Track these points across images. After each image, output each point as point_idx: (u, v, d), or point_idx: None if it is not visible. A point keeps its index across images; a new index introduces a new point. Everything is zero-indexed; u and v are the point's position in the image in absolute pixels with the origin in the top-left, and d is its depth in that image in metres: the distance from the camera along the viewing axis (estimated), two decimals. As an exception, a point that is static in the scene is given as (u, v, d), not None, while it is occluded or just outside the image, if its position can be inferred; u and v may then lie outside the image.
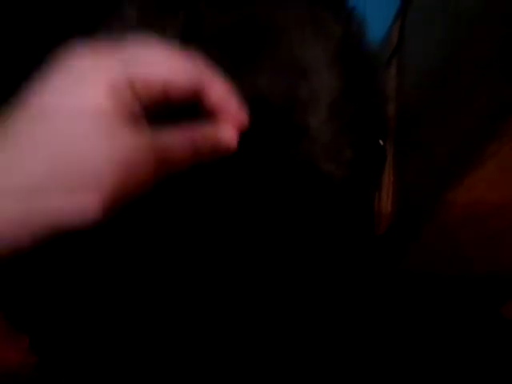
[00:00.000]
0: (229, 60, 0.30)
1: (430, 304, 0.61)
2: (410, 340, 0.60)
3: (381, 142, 0.50)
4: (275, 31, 0.34)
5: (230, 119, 0.26)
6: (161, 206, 0.32)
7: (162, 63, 0.24)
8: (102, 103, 0.22)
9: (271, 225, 0.35)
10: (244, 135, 0.26)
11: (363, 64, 0.43)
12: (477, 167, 0.47)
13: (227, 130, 0.26)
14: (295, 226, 0.37)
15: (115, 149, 0.22)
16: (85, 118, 0.21)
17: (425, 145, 0.63)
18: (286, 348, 0.40)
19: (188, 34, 0.33)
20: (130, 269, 0.34)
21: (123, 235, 0.32)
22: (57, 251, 0.32)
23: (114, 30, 0.35)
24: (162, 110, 0.25)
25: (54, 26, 0.40)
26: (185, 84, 0.24)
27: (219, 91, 0.26)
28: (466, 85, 0.54)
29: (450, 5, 0.63)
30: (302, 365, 0.41)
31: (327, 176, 0.37)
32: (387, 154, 0.59)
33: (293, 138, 0.34)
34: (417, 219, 0.57)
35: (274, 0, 0.38)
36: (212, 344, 0.36)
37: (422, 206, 0.57)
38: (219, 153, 0.26)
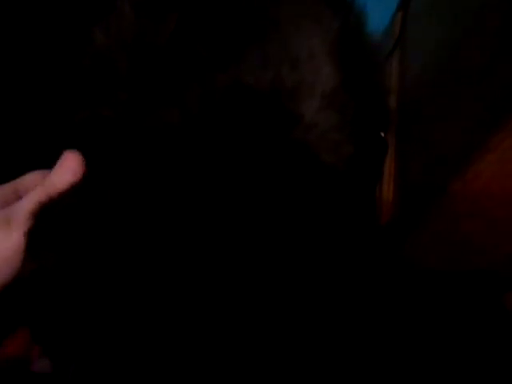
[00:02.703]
0: (216, 53, 0.34)
1: (431, 296, 0.62)
2: (413, 333, 0.60)
3: (382, 133, 0.50)
4: (268, 23, 0.34)
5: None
6: (158, 203, 0.33)
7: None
8: None
9: (272, 215, 0.35)
10: (235, 125, 0.32)
11: (363, 56, 0.43)
12: (478, 159, 0.47)
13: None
14: (297, 218, 0.37)
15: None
16: None
17: (426, 136, 0.63)
18: (287, 344, 0.40)
19: (180, 33, 0.33)
20: (130, 266, 0.34)
21: (122, 233, 0.33)
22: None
23: (111, 29, 0.35)
24: None
25: (53, 25, 0.40)
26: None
27: None
28: (468, 76, 0.54)
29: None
30: (302, 362, 0.41)
31: (329, 168, 0.37)
32: (389, 145, 0.59)
33: (284, 124, 0.35)
34: (418, 211, 0.57)
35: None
36: (212, 343, 0.37)
37: (424, 197, 0.57)
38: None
